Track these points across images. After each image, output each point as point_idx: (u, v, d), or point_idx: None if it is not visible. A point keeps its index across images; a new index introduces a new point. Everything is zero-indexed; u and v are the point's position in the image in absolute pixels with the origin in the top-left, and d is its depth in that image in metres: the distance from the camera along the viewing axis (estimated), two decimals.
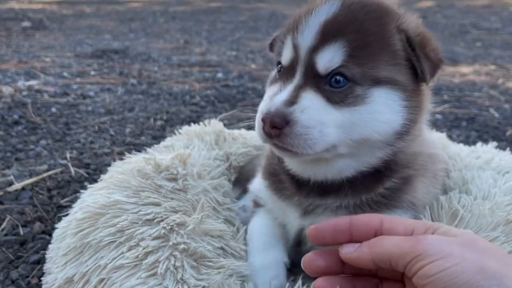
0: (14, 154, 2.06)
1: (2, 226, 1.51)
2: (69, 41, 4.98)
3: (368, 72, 0.82)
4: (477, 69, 4.10)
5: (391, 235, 0.67)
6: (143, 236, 1.01)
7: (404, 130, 0.86)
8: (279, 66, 0.93)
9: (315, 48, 0.84)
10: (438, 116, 2.75)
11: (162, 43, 5.12)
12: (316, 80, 0.84)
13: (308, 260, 0.74)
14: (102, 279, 0.94)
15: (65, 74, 3.53)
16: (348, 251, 0.70)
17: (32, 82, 3.16)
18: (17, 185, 1.74)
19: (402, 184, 0.93)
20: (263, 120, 0.82)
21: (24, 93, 2.88)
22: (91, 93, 3.03)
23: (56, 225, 1.17)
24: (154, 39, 5.34)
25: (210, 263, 0.98)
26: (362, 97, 0.82)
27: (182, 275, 0.92)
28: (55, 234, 1.13)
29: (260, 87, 3.55)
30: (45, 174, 1.84)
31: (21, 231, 1.50)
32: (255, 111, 0.89)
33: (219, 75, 3.85)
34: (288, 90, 0.84)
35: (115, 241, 1.01)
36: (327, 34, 0.83)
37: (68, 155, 2.02)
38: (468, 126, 2.59)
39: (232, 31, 6.19)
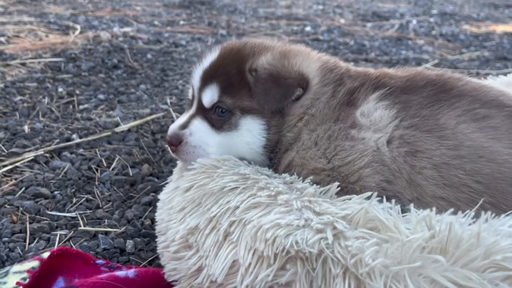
0: (117, 97, 2.08)
1: (113, 166, 1.53)
2: None
3: (236, 103, 1.05)
4: None
5: None
6: (269, 181, 0.96)
7: (269, 145, 1.07)
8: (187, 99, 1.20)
9: (201, 88, 1.11)
10: None
11: None
12: (204, 111, 1.09)
13: None
14: (233, 221, 0.89)
15: (156, 22, 3.54)
16: None
17: (127, 29, 3.20)
18: (124, 127, 1.76)
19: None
20: (167, 139, 1.11)
21: (120, 38, 2.91)
22: (183, 42, 3.01)
23: (160, 194, 1.15)
24: None
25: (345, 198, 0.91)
26: (234, 124, 1.06)
27: (319, 208, 0.86)
28: (161, 199, 1.12)
29: (352, 42, 3.35)
30: (148, 118, 1.84)
31: (130, 171, 1.51)
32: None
33: (308, 28, 3.69)
34: (185, 117, 1.12)
35: (239, 186, 0.96)
36: (206, 78, 1.09)
37: (168, 100, 2.02)
38: None
39: None
